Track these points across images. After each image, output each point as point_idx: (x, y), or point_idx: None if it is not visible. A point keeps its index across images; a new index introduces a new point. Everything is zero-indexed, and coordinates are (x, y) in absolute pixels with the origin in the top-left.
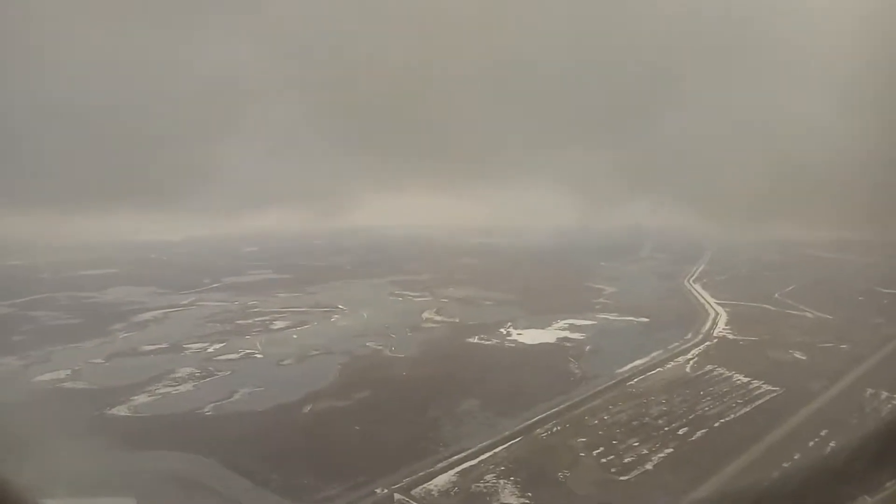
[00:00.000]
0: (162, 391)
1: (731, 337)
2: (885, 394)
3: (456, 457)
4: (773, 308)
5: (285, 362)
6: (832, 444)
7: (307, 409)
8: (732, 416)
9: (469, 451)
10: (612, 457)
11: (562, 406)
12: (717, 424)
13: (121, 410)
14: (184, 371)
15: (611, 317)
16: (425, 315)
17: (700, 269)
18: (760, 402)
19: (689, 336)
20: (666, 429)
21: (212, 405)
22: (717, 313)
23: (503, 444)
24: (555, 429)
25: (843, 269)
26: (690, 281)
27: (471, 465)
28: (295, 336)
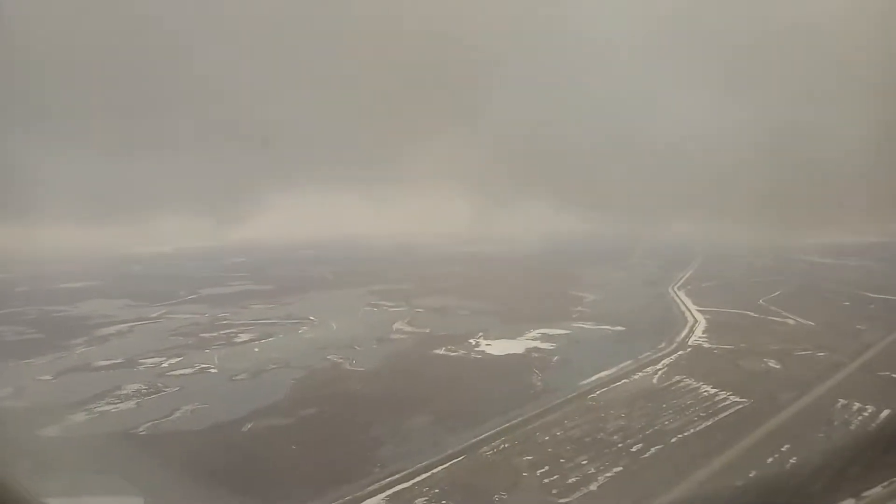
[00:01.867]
0: (101, 409)
1: (705, 346)
2: (856, 405)
3: (390, 478)
4: (754, 315)
5: (239, 377)
6: (792, 460)
7: (246, 427)
8: (692, 430)
9: (405, 472)
10: (555, 476)
11: (515, 421)
12: (673, 440)
13: (52, 431)
14: (130, 388)
15: (586, 325)
16: (396, 326)
17: (687, 275)
18: (724, 415)
19: (663, 345)
20: (619, 445)
21: (148, 424)
22: (695, 321)
23: (443, 464)
24: (502, 446)
25: (833, 274)
26: (675, 288)
27: (403, 488)
28: (256, 349)
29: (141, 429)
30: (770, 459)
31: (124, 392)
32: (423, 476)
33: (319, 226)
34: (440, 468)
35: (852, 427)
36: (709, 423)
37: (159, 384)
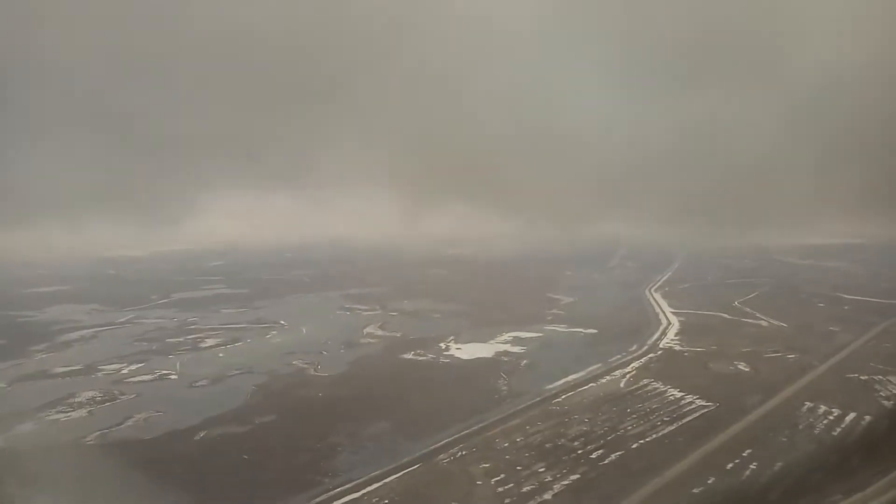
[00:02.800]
0: (52, 418)
1: (676, 348)
2: (822, 408)
3: (339, 489)
4: (728, 317)
5: (199, 384)
6: (752, 465)
7: (199, 436)
8: (654, 436)
9: (357, 482)
10: (510, 485)
11: (476, 427)
12: (634, 446)
13: None
14: (85, 395)
15: (559, 328)
16: (367, 330)
17: (666, 277)
18: (688, 419)
19: (634, 348)
20: (579, 451)
21: (98, 433)
22: (669, 323)
23: (397, 473)
24: (460, 453)
25: (810, 276)
26: (651, 290)
27: (353, 499)
28: (221, 355)
29: (89, 438)
30: (730, 465)
31: (78, 400)
32: (375, 486)
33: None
34: (393, 477)
35: (816, 431)
36: (672, 427)
37: (115, 391)
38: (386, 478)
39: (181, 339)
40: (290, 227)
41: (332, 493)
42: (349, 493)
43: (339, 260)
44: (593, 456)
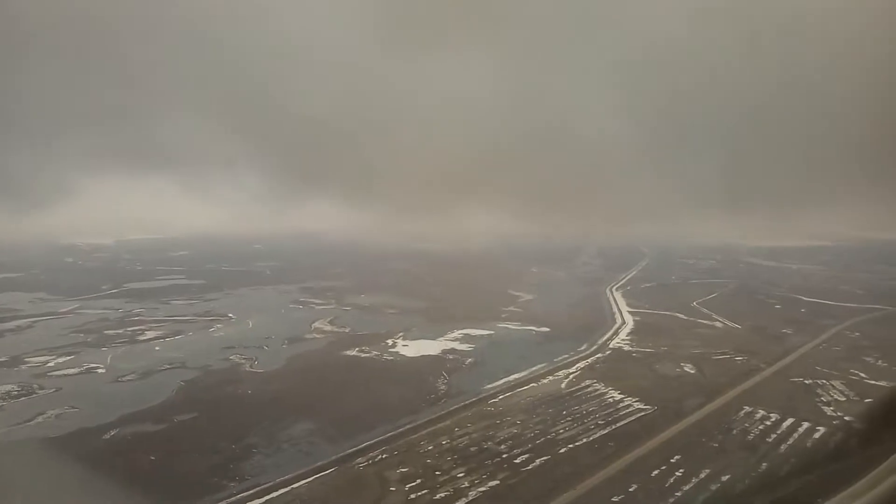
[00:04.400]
0: None
1: (626, 349)
2: (761, 412)
3: (242, 494)
4: (684, 317)
5: (126, 378)
6: (679, 472)
7: (110, 434)
8: (585, 440)
9: (263, 487)
10: (424, 491)
11: (403, 429)
12: (562, 451)
13: None
14: (1, 389)
15: (511, 326)
16: (315, 325)
17: (630, 275)
18: (622, 423)
19: (584, 347)
20: (504, 456)
21: (3, 430)
22: (623, 322)
23: (307, 478)
24: (380, 457)
25: (772, 277)
26: (612, 289)
27: None
28: (157, 348)
29: None
30: (656, 472)
31: None
32: (281, 492)
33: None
34: (303, 482)
35: (750, 437)
36: (605, 431)
37: (35, 385)
38: (295, 483)
39: (120, 331)
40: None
41: (232, 499)
42: (252, 500)
43: (308, 252)
44: (518, 461)
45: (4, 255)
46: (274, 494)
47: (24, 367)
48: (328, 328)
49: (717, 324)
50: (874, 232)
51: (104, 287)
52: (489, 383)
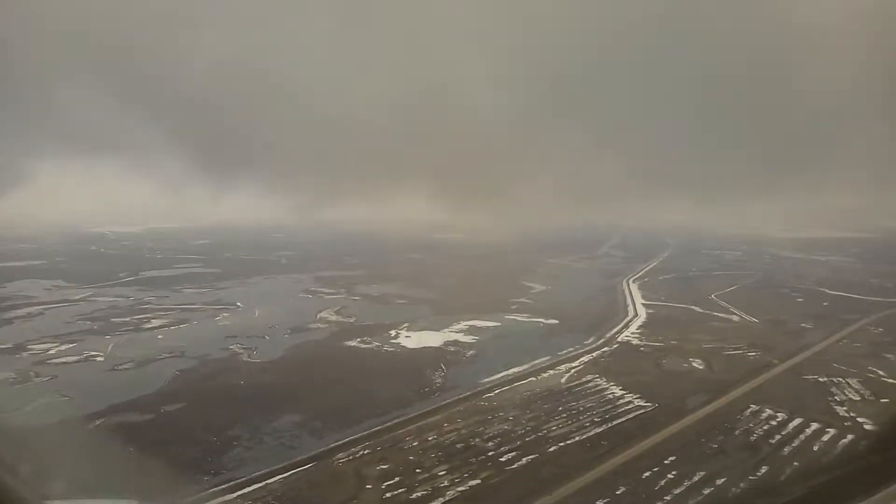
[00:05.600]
0: None
1: (634, 342)
2: (767, 411)
3: (214, 489)
4: (699, 310)
5: (123, 366)
6: (671, 475)
7: (94, 424)
8: (577, 438)
9: (237, 482)
10: (401, 490)
11: (392, 423)
12: (551, 449)
13: None
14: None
15: (520, 318)
16: (321, 315)
17: (649, 267)
18: (620, 420)
19: (591, 340)
20: (490, 454)
21: None
22: (635, 315)
23: (284, 473)
24: (361, 452)
25: (798, 269)
26: (629, 280)
27: (224, 501)
28: (160, 337)
29: None
30: (647, 474)
31: None
32: (254, 487)
33: None
34: (278, 478)
35: (752, 438)
36: (599, 430)
37: (32, 373)
38: (270, 478)
39: (127, 319)
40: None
41: (203, 493)
42: (222, 495)
43: (325, 242)
44: (503, 459)
45: (28, 242)
46: (247, 490)
47: (25, 353)
48: (333, 318)
49: (734, 317)
50: None
51: (121, 275)
52: (487, 377)
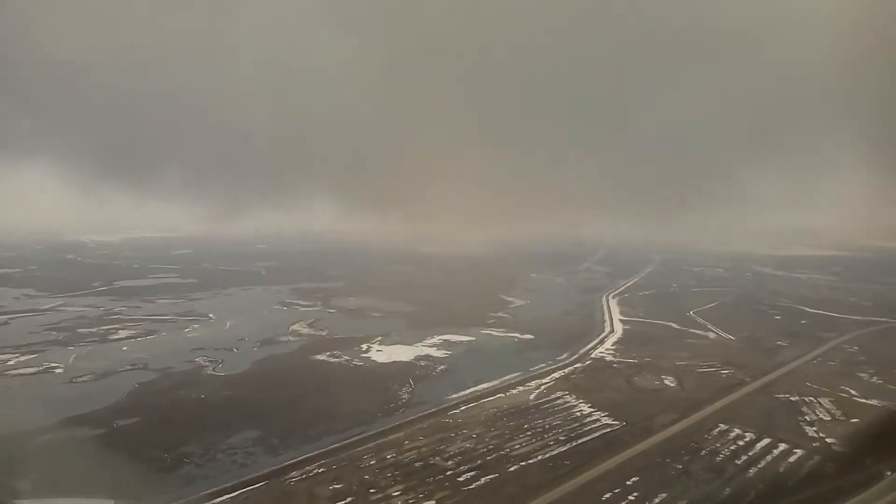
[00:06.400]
0: None
1: (607, 359)
2: (736, 430)
3: None
4: (676, 326)
5: (81, 379)
6: (632, 496)
7: (41, 439)
8: (540, 457)
9: (185, 501)
10: None
11: (351, 440)
12: (513, 468)
13: None
14: None
15: (495, 333)
16: (294, 327)
17: (630, 283)
18: (585, 439)
19: (564, 357)
20: (449, 473)
21: None
22: (611, 331)
23: (232, 493)
24: (316, 471)
25: (778, 286)
26: (609, 296)
27: None
28: (125, 348)
29: None
30: (608, 495)
31: None
32: None
33: None
34: (226, 497)
35: (718, 459)
36: (563, 448)
37: None
38: (217, 497)
39: (94, 330)
40: None
41: None
42: None
43: (311, 254)
44: (462, 479)
45: (6, 250)
46: None
47: None
48: (305, 331)
49: (711, 334)
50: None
51: (94, 284)
52: (455, 393)
